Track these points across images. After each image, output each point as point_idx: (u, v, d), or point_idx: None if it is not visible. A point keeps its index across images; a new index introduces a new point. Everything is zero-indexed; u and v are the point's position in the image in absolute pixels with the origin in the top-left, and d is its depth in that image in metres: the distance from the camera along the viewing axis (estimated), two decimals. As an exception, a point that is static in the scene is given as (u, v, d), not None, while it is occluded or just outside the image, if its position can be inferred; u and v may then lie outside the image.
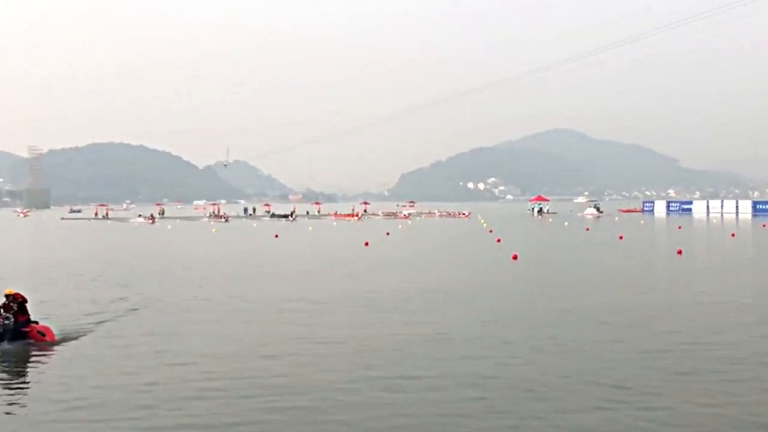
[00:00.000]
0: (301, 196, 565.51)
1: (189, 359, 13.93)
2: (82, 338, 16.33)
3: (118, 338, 16.40)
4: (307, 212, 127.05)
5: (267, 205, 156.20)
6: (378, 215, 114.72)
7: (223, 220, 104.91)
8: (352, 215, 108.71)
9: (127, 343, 15.72)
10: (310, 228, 76.27)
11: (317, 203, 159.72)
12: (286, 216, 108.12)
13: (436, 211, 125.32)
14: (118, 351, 14.98)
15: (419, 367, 13.13)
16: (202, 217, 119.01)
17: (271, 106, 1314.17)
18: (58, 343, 15.62)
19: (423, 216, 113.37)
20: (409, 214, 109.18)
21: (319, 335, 16.20)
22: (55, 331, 16.05)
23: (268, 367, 13.21)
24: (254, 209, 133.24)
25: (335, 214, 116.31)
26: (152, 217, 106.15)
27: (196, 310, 20.30)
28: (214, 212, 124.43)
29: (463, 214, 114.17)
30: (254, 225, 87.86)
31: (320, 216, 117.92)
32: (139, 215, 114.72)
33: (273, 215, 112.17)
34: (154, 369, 13.28)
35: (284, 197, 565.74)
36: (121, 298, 22.56)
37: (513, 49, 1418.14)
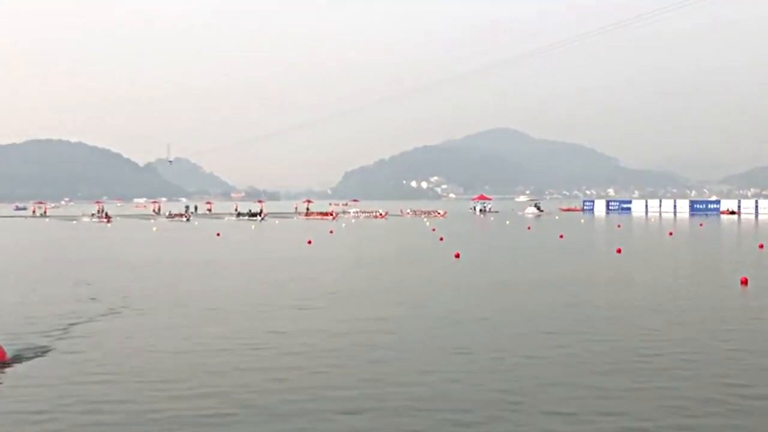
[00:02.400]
0: (243, 194, 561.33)
1: (159, 376, 12.34)
2: (39, 357, 13.84)
3: (79, 355, 14.00)
4: (250, 210, 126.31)
5: (209, 203, 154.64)
6: (351, 214, 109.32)
7: (185, 219, 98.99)
8: (328, 214, 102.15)
9: (92, 361, 13.48)
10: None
11: (260, 201, 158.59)
12: (255, 215, 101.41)
13: (408, 210, 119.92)
14: (79, 371, 12.70)
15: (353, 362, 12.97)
16: (157, 216, 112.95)
17: (213, 103, 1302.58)
18: (8, 363, 13.17)
19: (404, 216, 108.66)
20: (384, 214, 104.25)
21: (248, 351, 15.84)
22: (6, 350, 13.63)
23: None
24: (196, 207, 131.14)
25: (307, 212, 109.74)
26: (107, 216, 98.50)
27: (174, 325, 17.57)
28: (176, 212, 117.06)
29: (439, 213, 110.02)
30: (225, 223, 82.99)
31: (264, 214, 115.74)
32: (92, 213, 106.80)
33: (240, 214, 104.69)
34: (127, 395, 11.19)
35: (226, 195, 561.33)
36: (85, 307, 20.11)
37: (454, 50, 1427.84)
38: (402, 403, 10.57)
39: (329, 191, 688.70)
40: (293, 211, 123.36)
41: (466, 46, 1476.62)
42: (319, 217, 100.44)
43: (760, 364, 12.81)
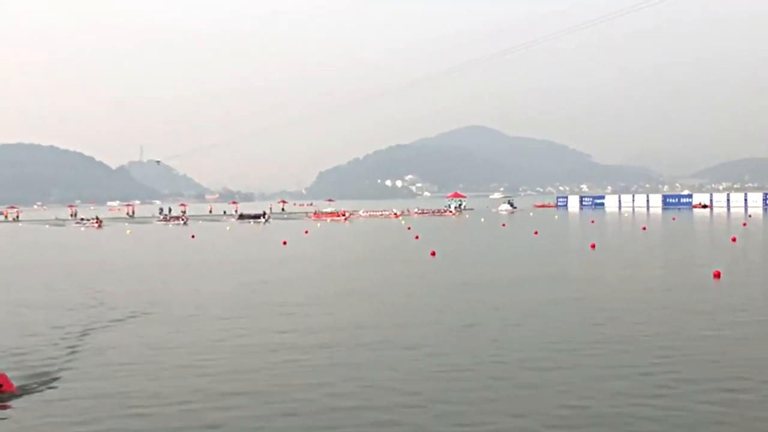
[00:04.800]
0: (217, 195, 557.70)
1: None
2: (49, 388, 12.14)
3: (97, 383, 12.38)
4: (224, 212, 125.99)
5: (183, 205, 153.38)
6: (361, 213, 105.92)
7: (182, 222, 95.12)
8: (338, 214, 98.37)
9: (110, 391, 11.82)
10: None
11: (234, 203, 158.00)
12: (257, 216, 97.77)
13: (416, 209, 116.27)
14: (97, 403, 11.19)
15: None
16: (151, 218, 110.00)
17: (186, 105, 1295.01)
18: (17, 394, 11.61)
19: (414, 214, 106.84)
20: (400, 213, 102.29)
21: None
22: (12, 380, 11.97)
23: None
24: (170, 210, 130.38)
25: (315, 213, 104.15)
26: (98, 221, 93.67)
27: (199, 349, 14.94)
28: (166, 214, 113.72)
29: (450, 212, 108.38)
30: (227, 228, 77.94)
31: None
32: (82, 219, 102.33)
33: (242, 216, 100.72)
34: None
35: (200, 197, 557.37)
36: (98, 327, 17.88)
37: (427, 49, 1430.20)
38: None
39: (304, 191, 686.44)
40: (299, 209, 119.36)
41: (438, 45, 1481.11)
42: (329, 218, 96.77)
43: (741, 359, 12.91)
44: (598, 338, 14.83)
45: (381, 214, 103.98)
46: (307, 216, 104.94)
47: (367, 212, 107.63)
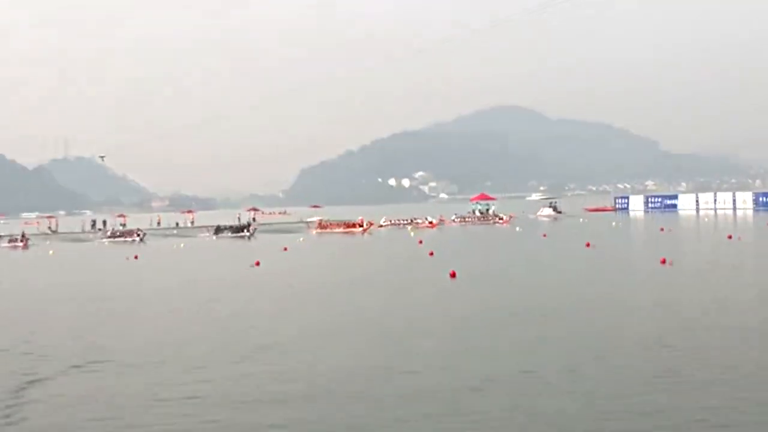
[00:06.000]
0: (167, 202, 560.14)
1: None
2: None
3: None
4: (177, 224, 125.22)
5: (122, 216, 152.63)
6: (383, 225, 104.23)
7: (137, 239, 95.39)
8: (353, 225, 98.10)
9: None
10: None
11: (190, 211, 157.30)
12: (239, 229, 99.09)
13: (453, 217, 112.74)
14: None
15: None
16: (52, 235, 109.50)
17: (126, 86, 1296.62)
18: None
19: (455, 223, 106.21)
20: (437, 222, 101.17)
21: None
22: None
23: None
24: (104, 222, 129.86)
25: (320, 224, 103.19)
26: (24, 239, 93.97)
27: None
28: (115, 230, 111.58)
29: (501, 219, 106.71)
30: (218, 244, 79.24)
31: (195, 228, 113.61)
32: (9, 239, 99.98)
33: (219, 229, 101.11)
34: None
35: (145, 205, 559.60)
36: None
37: (443, 6, 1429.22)
38: None
39: (281, 195, 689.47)
40: (314, 220, 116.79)
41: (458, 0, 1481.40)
42: (340, 230, 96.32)
43: None
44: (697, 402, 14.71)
45: (411, 224, 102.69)
46: (309, 228, 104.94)
47: (390, 221, 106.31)
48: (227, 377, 17.02)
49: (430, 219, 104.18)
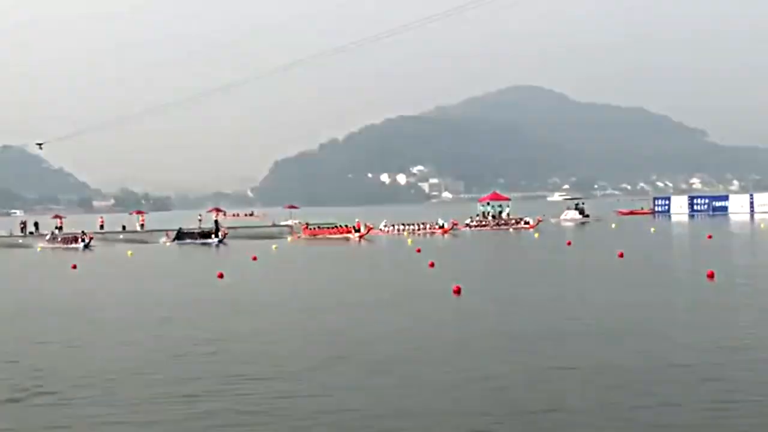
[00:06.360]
0: (112, 201, 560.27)
1: None
2: None
3: None
4: (123, 227, 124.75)
5: (58, 216, 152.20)
6: (382, 230, 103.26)
7: (81, 244, 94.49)
8: (346, 230, 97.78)
9: None
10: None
11: (139, 212, 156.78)
12: (206, 235, 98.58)
13: (469, 220, 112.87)
14: None
15: None
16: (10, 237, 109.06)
17: (68, 63, 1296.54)
18: None
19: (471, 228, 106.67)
20: (450, 227, 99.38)
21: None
22: None
23: None
24: (36, 225, 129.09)
25: (307, 228, 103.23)
26: None
27: None
28: (55, 234, 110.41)
29: (527, 223, 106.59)
30: (179, 252, 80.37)
31: (145, 232, 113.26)
32: None
33: (181, 234, 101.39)
34: None
35: (86, 204, 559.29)
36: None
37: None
38: None
39: (250, 193, 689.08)
40: (289, 224, 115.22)
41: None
42: (330, 235, 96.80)
43: None
44: None
45: (418, 230, 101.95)
46: (294, 232, 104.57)
47: (392, 226, 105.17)
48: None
49: (441, 222, 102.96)
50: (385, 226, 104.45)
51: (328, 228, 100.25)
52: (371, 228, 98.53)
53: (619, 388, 17.83)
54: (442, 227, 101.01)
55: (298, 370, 21.10)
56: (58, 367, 22.73)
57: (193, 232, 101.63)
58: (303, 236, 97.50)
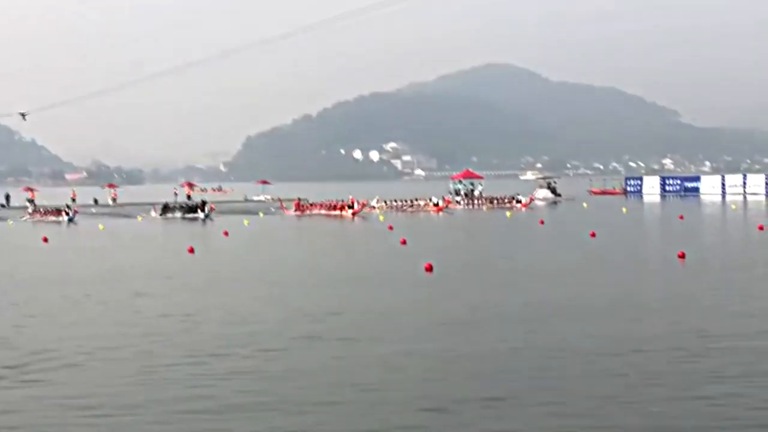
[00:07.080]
0: (84, 174, 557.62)
1: None
2: None
3: None
4: (95, 200, 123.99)
5: (29, 189, 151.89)
6: (374, 207, 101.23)
7: (63, 218, 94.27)
8: (339, 207, 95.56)
9: None
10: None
11: (112, 185, 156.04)
12: (192, 209, 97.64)
13: (458, 199, 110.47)
14: None
15: None
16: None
17: (39, 34, 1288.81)
18: None
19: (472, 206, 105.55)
20: (444, 205, 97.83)
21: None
22: None
23: None
24: (8, 196, 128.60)
25: (298, 205, 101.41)
26: None
27: None
28: (38, 207, 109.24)
29: (519, 201, 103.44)
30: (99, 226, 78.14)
31: (117, 206, 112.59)
32: None
33: (167, 207, 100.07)
34: None
35: (58, 177, 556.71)
36: None
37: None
38: None
39: (222, 167, 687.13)
40: (261, 199, 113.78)
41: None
42: (323, 211, 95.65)
43: None
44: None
45: (410, 207, 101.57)
46: (283, 207, 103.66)
47: (385, 203, 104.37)
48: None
49: (435, 201, 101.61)
50: (378, 203, 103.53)
51: (321, 204, 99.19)
52: (365, 204, 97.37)
53: (580, 369, 17.93)
54: (436, 205, 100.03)
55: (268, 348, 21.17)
56: (20, 342, 22.34)
57: (180, 206, 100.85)
58: (294, 212, 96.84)
